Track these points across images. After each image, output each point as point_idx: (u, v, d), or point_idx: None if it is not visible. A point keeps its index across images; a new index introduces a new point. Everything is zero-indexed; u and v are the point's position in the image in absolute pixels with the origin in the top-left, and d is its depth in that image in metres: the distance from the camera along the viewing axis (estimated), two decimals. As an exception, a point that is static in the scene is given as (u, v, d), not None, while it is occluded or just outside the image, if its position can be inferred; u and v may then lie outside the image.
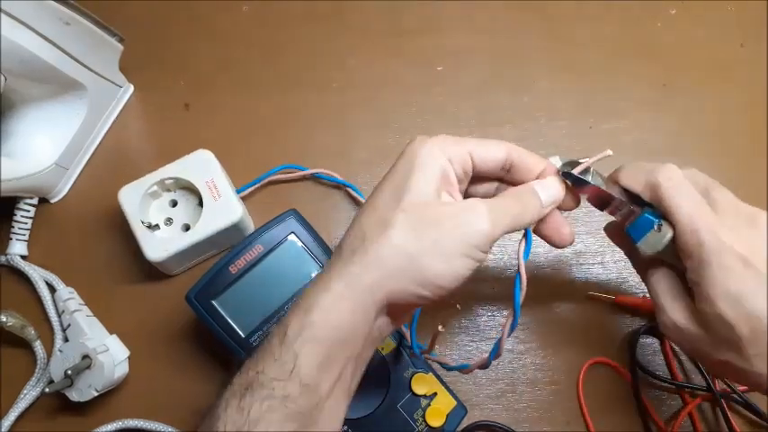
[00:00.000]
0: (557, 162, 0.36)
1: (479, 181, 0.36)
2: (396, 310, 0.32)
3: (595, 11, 0.58)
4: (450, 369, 0.39)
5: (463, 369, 0.38)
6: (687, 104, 0.55)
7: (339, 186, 0.52)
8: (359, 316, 0.30)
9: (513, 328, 0.33)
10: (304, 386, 0.29)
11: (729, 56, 0.56)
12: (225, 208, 0.46)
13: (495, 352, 0.34)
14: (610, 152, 0.35)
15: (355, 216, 0.33)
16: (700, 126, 0.54)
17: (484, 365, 0.35)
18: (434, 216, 0.31)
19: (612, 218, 0.37)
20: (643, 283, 0.37)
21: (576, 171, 0.34)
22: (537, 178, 0.35)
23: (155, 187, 0.47)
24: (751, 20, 0.57)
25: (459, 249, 0.31)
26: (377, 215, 0.31)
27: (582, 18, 0.58)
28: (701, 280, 0.31)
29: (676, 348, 0.47)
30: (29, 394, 0.46)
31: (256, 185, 0.51)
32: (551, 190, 0.34)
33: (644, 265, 0.36)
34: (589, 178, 0.34)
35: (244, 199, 0.49)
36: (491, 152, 0.34)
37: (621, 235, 0.37)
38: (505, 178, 0.35)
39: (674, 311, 0.33)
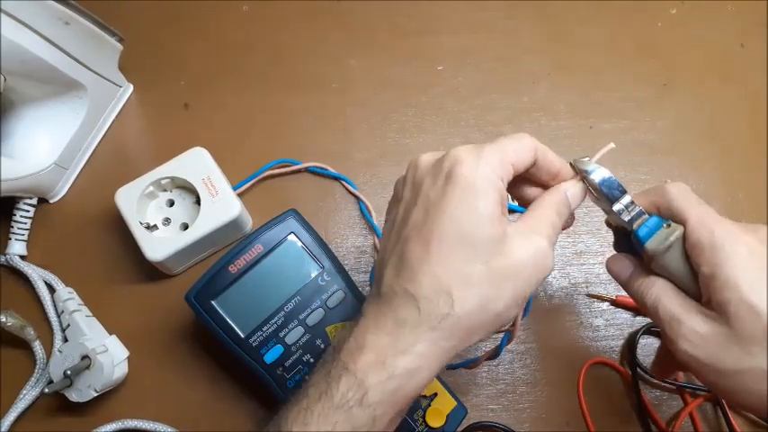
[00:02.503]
0: None
1: None
2: None
3: (595, 11, 0.58)
4: (455, 367, 0.38)
5: (472, 363, 0.37)
6: (687, 104, 0.55)
7: (334, 180, 0.52)
8: (436, 372, 0.31)
9: (525, 314, 0.33)
10: None
11: (729, 56, 0.56)
12: (223, 205, 0.46)
13: (507, 339, 0.34)
14: (612, 145, 0.35)
15: (413, 255, 0.30)
16: (700, 126, 0.54)
17: (494, 355, 0.35)
18: (512, 269, 0.30)
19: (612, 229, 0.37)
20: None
21: (586, 166, 0.34)
22: (555, 176, 0.34)
23: (151, 188, 0.47)
24: (751, 20, 0.57)
25: (532, 293, 0.32)
26: (454, 268, 0.30)
27: (582, 18, 0.58)
28: (717, 270, 0.30)
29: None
30: (28, 394, 0.46)
31: (252, 181, 0.51)
32: (578, 195, 0.34)
33: (644, 284, 0.34)
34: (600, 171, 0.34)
35: (240, 196, 0.49)
36: (526, 156, 0.33)
37: (622, 260, 0.36)
38: (522, 174, 0.35)
39: (690, 318, 0.31)
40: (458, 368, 0.38)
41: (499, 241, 0.30)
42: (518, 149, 0.32)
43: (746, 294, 0.29)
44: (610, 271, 0.37)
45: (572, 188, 0.34)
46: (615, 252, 0.37)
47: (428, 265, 0.30)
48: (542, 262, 0.31)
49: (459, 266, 0.30)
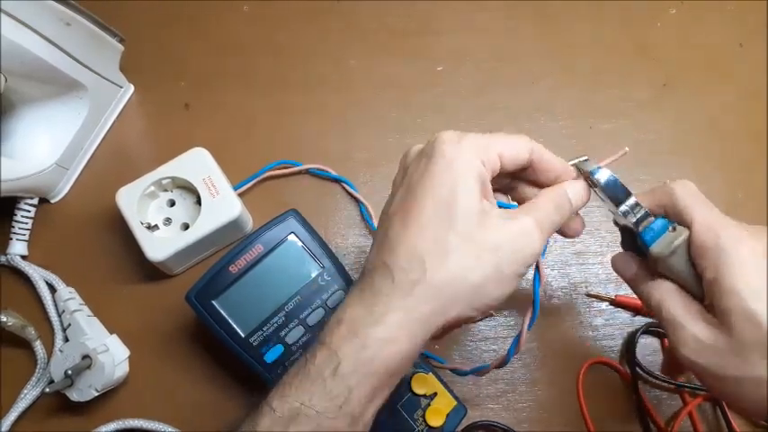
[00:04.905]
0: None
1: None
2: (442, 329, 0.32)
3: (595, 11, 0.58)
4: (464, 374, 0.39)
5: (481, 371, 0.37)
6: (687, 104, 0.55)
7: (335, 182, 0.52)
8: (415, 347, 0.31)
9: (532, 323, 0.34)
10: (352, 419, 0.29)
11: (729, 56, 0.56)
12: (223, 205, 0.46)
13: (515, 348, 0.34)
14: (626, 149, 0.35)
15: (394, 230, 0.31)
16: (699, 126, 0.54)
17: (502, 363, 0.35)
18: (492, 242, 0.30)
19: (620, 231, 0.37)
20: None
21: (589, 168, 0.34)
22: (555, 178, 0.34)
23: (152, 188, 0.47)
24: (750, 20, 0.57)
25: (516, 272, 0.31)
26: (430, 238, 0.30)
27: (582, 18, 0.58)
28: (721, 276, 0.29)
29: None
30: (29, 394, 0.46)
31: (253, 182, 0.51)
32: (580, 194, 0.34)
33: (649, 285, 0.34)
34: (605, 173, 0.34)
35: (240, 196, 0.49)
36: (518, 152, 0.33)
37: (627, 259, 0.36)
38: (520, 175, 0.35)
39: (693, 324, 0.31)
40: (467, 375, 0.38)
41: (478, 214, 0.30)
42: (509, 143, 0.33)
43: (748, 303, 0.28)
44: (614, 269, 0.37)
45: (573, 186, 0.34)
46: (622, 250, 0.37)
47: (405, 237, 0.31)
48: (524, 240, 0.31)
49: (435, 236, 0.30)
